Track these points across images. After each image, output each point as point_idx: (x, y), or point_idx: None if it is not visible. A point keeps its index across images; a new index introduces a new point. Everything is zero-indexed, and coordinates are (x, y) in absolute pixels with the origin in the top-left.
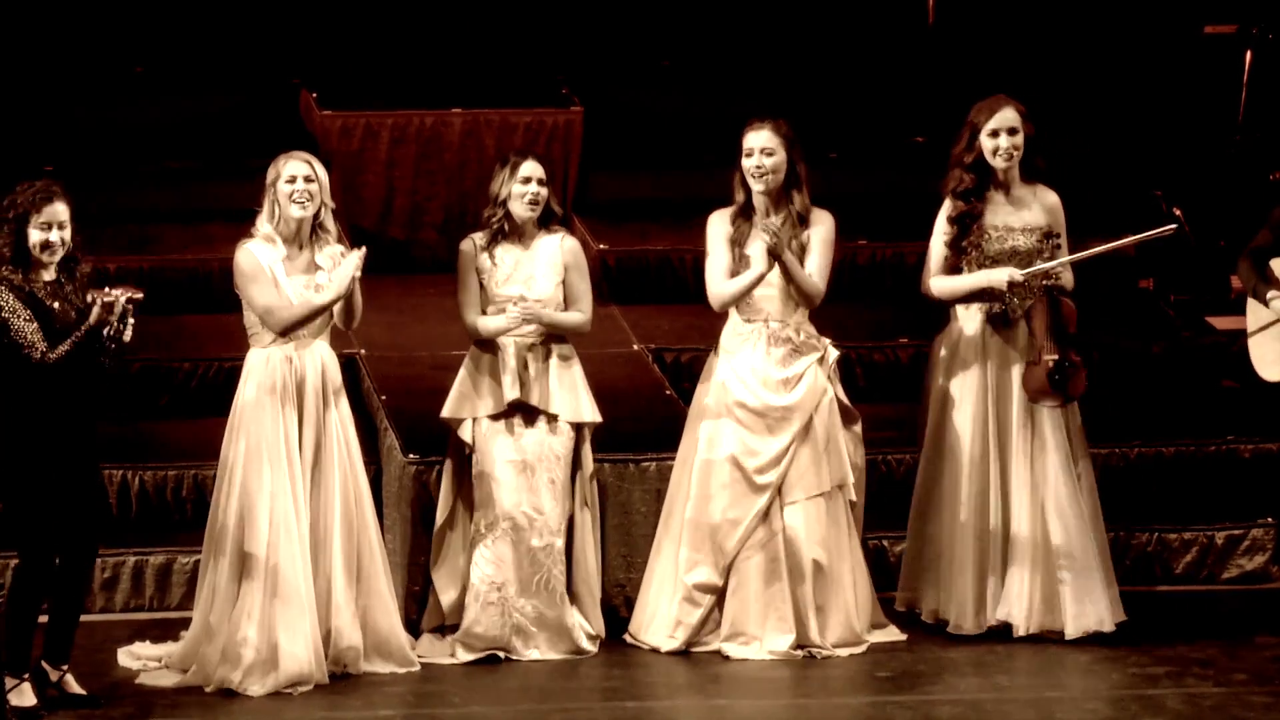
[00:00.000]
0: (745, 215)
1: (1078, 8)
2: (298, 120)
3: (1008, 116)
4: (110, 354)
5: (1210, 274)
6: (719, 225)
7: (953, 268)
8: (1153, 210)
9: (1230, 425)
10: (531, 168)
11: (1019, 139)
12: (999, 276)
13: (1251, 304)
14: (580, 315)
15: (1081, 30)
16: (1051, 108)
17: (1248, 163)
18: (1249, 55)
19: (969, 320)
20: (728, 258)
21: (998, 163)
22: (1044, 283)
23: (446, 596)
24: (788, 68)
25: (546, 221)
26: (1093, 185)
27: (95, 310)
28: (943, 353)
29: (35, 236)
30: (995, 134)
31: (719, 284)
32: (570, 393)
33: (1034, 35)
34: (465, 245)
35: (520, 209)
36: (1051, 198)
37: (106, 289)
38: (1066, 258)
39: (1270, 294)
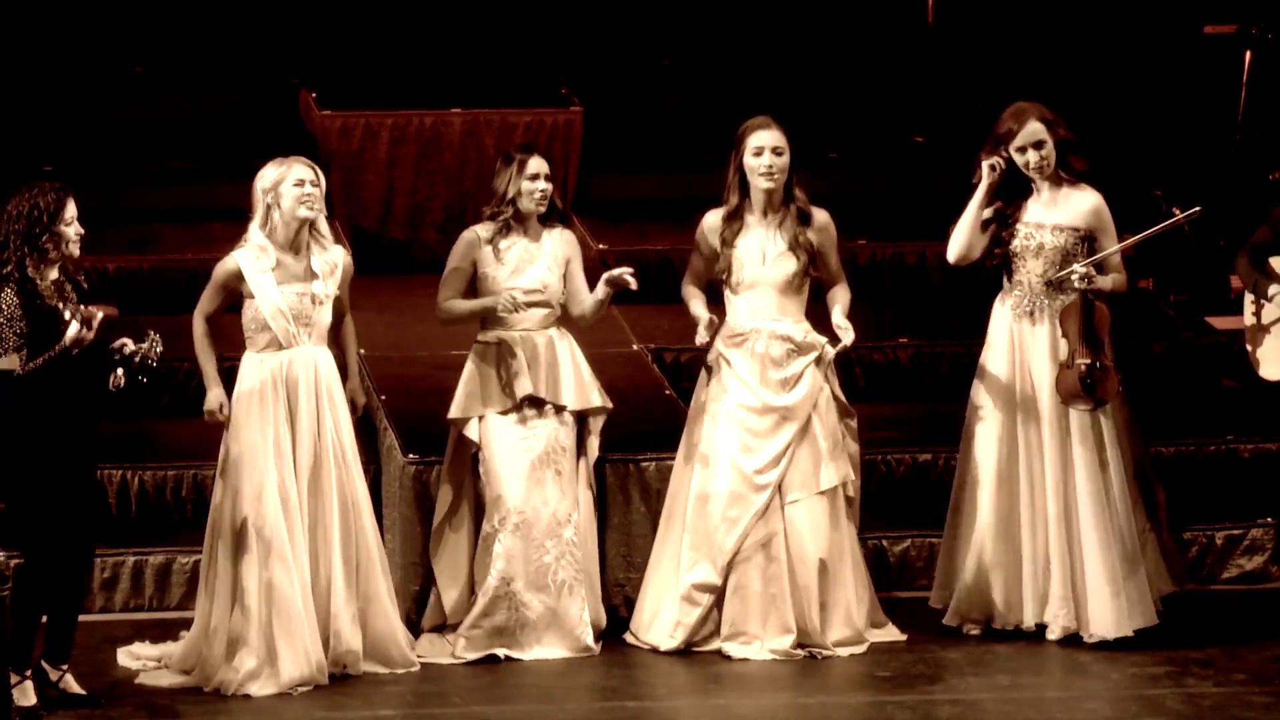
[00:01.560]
0: (738, 216)
1: (1077, 8)
2: (298, 120)
3: (1033, 131)
4: (144, 376)
5: (1210, 274)
6: (713, 225)
7: (987, 253)
8: (1152, 210)
9: (1230, 425)
10: (538, 164)
11: (1045, 150)
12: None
13: (1249, 301)
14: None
15: (1081, 30)
16: (1051, 107)
17: (1248, 163)
18: (1249, 55)
19: (999, 320)
20: (702, 263)
21: (1033, 175)
22: (1077, 286)
23: (448, 595)
24: (788, 68)
25: (549, 216)
26: (1093, 185)
27: (70, 331)
28: (982, 356)
29: (70, 234)
30: (1023, 150)
31: (686, 284)
32: (578, 382)
33: (1034, 35)
34: (468, 234)
35: (529, 205)
36: (1091, 200)
37: (84, 307)
38: (1092, 258)
39: (1272, 289)
